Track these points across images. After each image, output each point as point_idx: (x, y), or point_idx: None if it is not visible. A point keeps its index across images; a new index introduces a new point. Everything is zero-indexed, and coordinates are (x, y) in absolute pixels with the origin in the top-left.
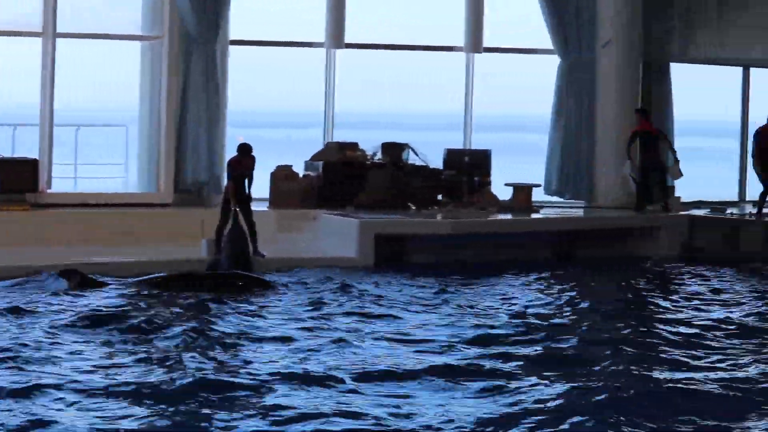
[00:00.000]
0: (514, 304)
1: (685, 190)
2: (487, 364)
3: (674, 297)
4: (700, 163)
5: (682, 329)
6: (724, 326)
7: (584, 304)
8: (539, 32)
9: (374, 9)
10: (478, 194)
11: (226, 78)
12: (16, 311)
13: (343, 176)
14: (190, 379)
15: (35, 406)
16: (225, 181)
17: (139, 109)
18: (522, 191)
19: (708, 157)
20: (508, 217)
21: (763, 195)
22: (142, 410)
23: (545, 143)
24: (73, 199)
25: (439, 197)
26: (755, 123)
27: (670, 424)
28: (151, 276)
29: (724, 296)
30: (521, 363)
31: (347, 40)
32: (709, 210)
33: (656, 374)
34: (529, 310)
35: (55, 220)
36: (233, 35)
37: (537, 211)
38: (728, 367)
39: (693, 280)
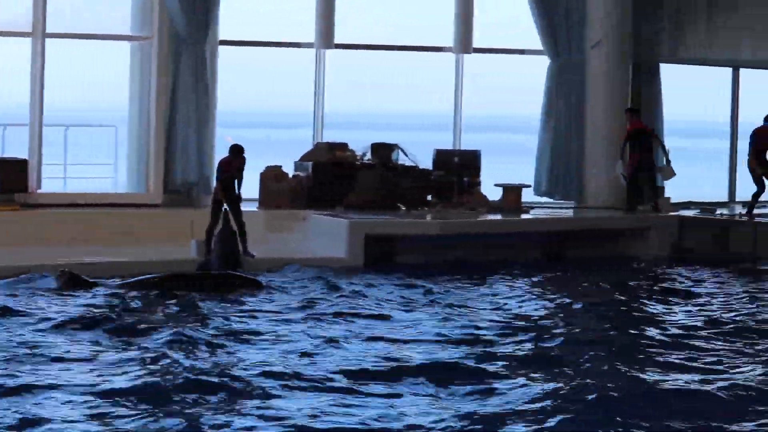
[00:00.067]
0: (504, 305)
1: (674, 190)
2: (476, 364)
3: (664, 297)
4: (690, 163)
5: (672, 330)
6: (714, 326)
7: (574, 305)
8: (529, 33)
9: (364, 9)
10: (467, 195)
11: (215, 78)
12: (5, 311)
13: (332, 177)
14: (182, 380)
15: (25, 407)
16: (215, 182)
17: (128, 110)
18: (512, 192)
19: (697, 157)
20: (498, 217)
21: (755, 196)
22: (134, 410)
23: (535, 144)
24: (63, 199)
25: (429, 198)
26: (745, 123)
27: (661, 424)
28: (143, 277)
29: (713, 297)
30: (510, 363)
31: (337, 40)
32: (698, 210)
33: (645, 375)
34: (519, 311)
35: (45, 221)
36: (223, 35)
37: (527, 212)
38: (719, 368)
39: (683, 280)
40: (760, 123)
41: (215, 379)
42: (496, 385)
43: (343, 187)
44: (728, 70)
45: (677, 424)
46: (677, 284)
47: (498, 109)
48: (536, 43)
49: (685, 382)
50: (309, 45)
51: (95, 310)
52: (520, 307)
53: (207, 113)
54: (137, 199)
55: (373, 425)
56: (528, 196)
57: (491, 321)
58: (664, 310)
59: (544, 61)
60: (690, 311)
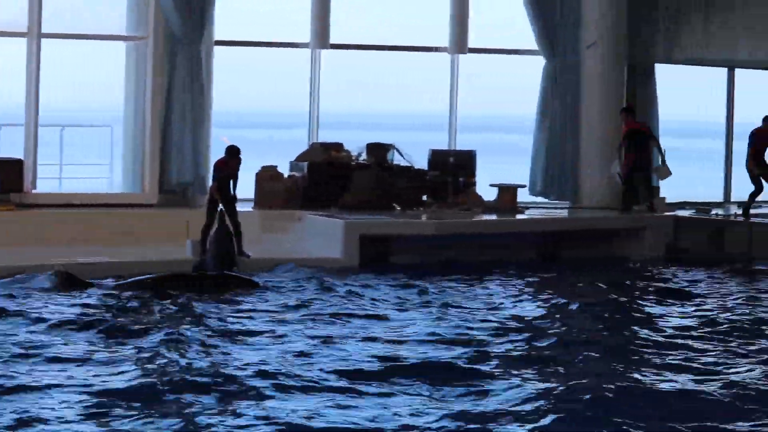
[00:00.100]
0: (499, 305)
1: (670, 190)
2: (471, 364)
3: (659, 298)
4: (685, 163)
5: (668, 330)
6: (709, 327)
7: (568, 305)
8: (524, 33)
9: (359, 9)
10: (463, 195)
11: (210, 78)
12: (1, 312)
13: (328, 177)
14: (177, 380)
15: (21, 407)
16: (210, 182)
17: (123, 110)
18: (507, 192)
19: (693, 157)
20: (493, 217)
21: (752, 195)
22: (130, 410)
23: (530, 144)
24: (58, 199)
25: (424, 198)
26: (740, 124)
27: (655, 424)
28: (139, 277)
29: (709, 297)
30: (505, 363)
31: (332, 40)
32: (694, 211)
33: (640, 375)
34: (513, 311)
35: (40, 221)
36: (218, 36)
37: (522, 212)
38: (714, 368)
39: (678, 281)
40: (755, 123)
41: (211, 380)
42: (490, 386)
43: (339, 187)
44: (724, 71)
45: (671, 425)
46: (672, 285)
47: (493, 110)
48: (531, 43)
49: (681, 383)
50: (304, 45)
51: (91, 311)
52: (514, 307)
53: (202, 113)
54: (133, 199)
55: (368, 425)
56: (523, 196)
57: (486, 321)
58: (659, 311)
59: (540, 62)
60: (685, 312)
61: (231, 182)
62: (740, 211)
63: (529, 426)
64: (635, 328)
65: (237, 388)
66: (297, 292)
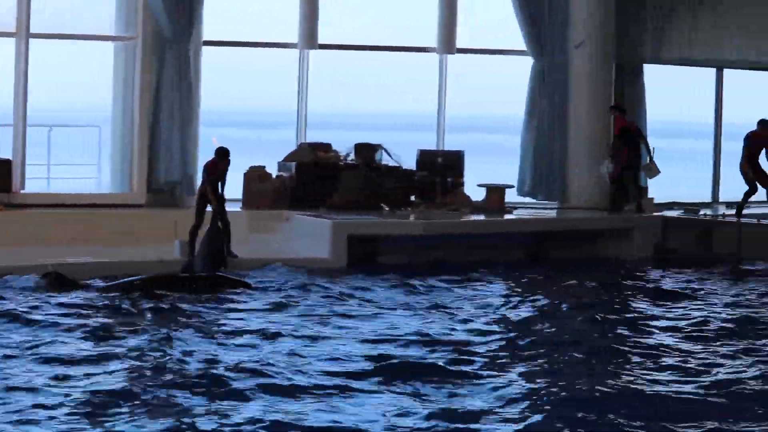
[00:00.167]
0: (487, 305)
1: (658, 191)
2: (458, 364)
3: (647, 298)
4: (674, 164)
5: (655, 330)
6: (698, 327)
7: (556, 306)
8: (512, 33)
9: (347, 10)
10: (451, 195)
11: (199, 78)
12: None
13: (315, 177)
14: (167, 380)
15: (10, 407)
16: (198, 182)
17: (112, 110)
18: (495, 192)
19: (681, 158)
20: (481, 218)
21: (746, 195)
22: (120, 411)
23: (518, 144)
24: (47, 199)
25: (412, 198)
26: (728, 124)
27: (644, 424)
28: (130, 278)
29: (697, 297)
30: (493, 363)
31: (320, 40)
32: (682, 211)
33: (629, 375)
34: (501, 311)
35: (29, 221)
36: (206, 36)
37: (510, 212)
38: (703, 368)
39: (666, 281)
40: (744, 123)
41: (200, 380)
42: (477, 386)
43: (327, 187)
44: (712, 71)
45: (660, 424)
46: (661, 285)
47: (481, 110)
48: (519, 43)
49: (669, 383)
50: (293, 45)
51: (81, 311)
52: (502, 307)
53: (190, 113)
54: (121, 199)
55: (356, 425)
56: (511, 196)
57: (473, 321)
58: (648, 311)
59: (528, 62)
60: (674, 312)
61: (219, 183)
62: (729, 211)
63: (517, 426)
64: (624, 328)
65: (226, 389)
66: (285, 292)
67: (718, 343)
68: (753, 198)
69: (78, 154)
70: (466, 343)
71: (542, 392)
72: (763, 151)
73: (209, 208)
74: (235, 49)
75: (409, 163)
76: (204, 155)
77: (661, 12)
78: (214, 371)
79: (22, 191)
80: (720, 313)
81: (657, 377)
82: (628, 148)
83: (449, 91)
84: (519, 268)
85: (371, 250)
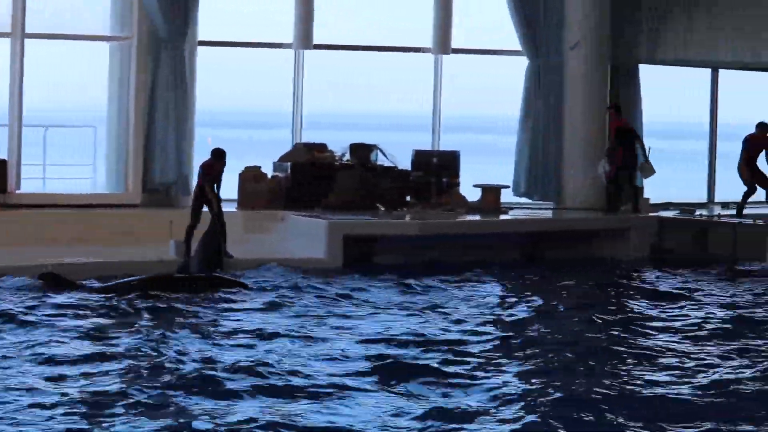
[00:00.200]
0: (482, 306)
1: (653, 191)
2: (453, 365)
3: (643, 298)
4: (669, 164)
5: (651, 330)
6: (694, 327)
7: (552, 306)
8: (507, 34)
9: (343, 10)
10: (446, 195)
11: (194, 78)
12: None
13: (311, 177)
14: (163, 381)
15: (5, 408)
16: (193, 182)
17: (107, 110)
18: (490, 192)
19: (677, 158)
20: (477, 218)
21: (745, 196)
22: (116, 411)
23: (513, 145)
24: (42, 199)
25: (408, 198)
26: (724, 125)
27: (640, 424)
28: (128, 279)
29: (692, 298)
30: (488, 364)
31: (315, 41)
32: (678, 211)
33: (624, 375)
34: (496, 312)
35: (24, 221)
36: (202, 36)
37: (505, 213)
38: (699, 368)
39: (662, 281)
40: (739, 124)
41: (196, 381)
42: (473, 386)
43: (322, 187)
44: (707, 71)
45: (657, 424)
46: (656, 285)
47: (476, 110)
48: (515, 44)
49: (665, 382)
50: (288, 45)
51: (77, 312)
52: (497, 308)
53: (186, 113)
54: (116, 199)
55: (350, 425)
56: (507, 196)
57: (469, 322)
58: (643, 311)
59: (523, 62)
60: (669, 312)
61: (215, 184)
62: (725, 212)
63: (512, 426)
64: (620, 328)
65: (222, 389)
66: (280, 292)
67: (714, 344)
68: (752, 198)
69: (73, 154)
70: (461, 343)
71: (538, 393)
72: (763, 153)
73: (205, 209)
74: (230, 49)
75: (405, 163)
76: (199, 155)
77: (656, 13)
78: (210, 371)
79: (17, 191)
80: (716, 313)
81: (653, 378)
82: (624, 148)
83: (444, 91)
84: (514, 268)
85: (367, 251)
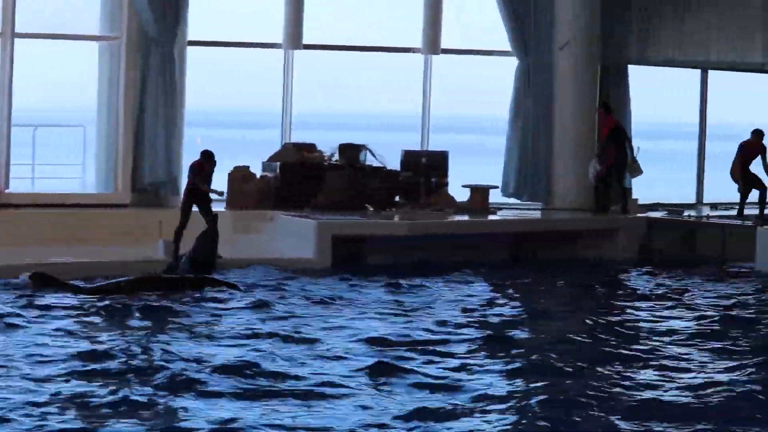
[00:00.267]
0: (469, 306)
1: (642, 192)
2: (440, 365)
3: (630, 299)
4: (658, 165)
5: (639, 331)
6: (683, 328)
7: (540, 306)
8: (497, 34)
9: (332, 10)
10: (435, 195)
11: (184, 78)
12: None
13: (300, 177)
14: (149, 381)
15: None
16: (183, 182)
17: (97, 110)
18: (479, 193)
19: (665, 159)
20: (465, 218)
21: (743, 198)
22: (106, 412)
23: (503, 145)
24: (32, 199)
25: (397, 198)
26: (713, 125)
27: (629, 425)
28: (117, 279)
29: (680, 299)
30: (474, 365)
31: (305, 41)
32: (666, 212)
33: (612, 376)
34: (484, 312)
35: (13, 221)
36: (191, 36)
37: (494, 213)
38: (688, 368)
39: (650, 282)
40: (728, 124)
41: (184, 381)
42: (459, 386)
43: (311, 187)
44: (697, 72)
45: (640, 425)
46: (645, 286)
47: (466, 110)
48: (505, 44)
49: (653, 383)
50: (278, 45)
51: (67, 312)
52: (485, 308)
53: (175, 113)
54: (105, 199)
55: (338, 426)
56: (496, 197)
57: (457, 322)
58: (631, 311)
59: (513, 62)
60: (657, 312)
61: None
62: (712, 213)
63: (500, 427)
64: (608, 328)
65: (209, 389)
66: (269, 292)
67: (702, 344)
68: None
69: (63, 153)
70: (448, 344)
71: (524, 393)
72: (758, 158)
73: (195, 208)
74: (220, 49)
75: (394, 163)
76: (189, 155)
77: (647, 13)
78: (199, 371)
79: (6, 191)
80: (704, 313)
81: (641, 378)
82: (615, 146)
83: (434, 91)
84: (503, 268)
85: (356, 251)
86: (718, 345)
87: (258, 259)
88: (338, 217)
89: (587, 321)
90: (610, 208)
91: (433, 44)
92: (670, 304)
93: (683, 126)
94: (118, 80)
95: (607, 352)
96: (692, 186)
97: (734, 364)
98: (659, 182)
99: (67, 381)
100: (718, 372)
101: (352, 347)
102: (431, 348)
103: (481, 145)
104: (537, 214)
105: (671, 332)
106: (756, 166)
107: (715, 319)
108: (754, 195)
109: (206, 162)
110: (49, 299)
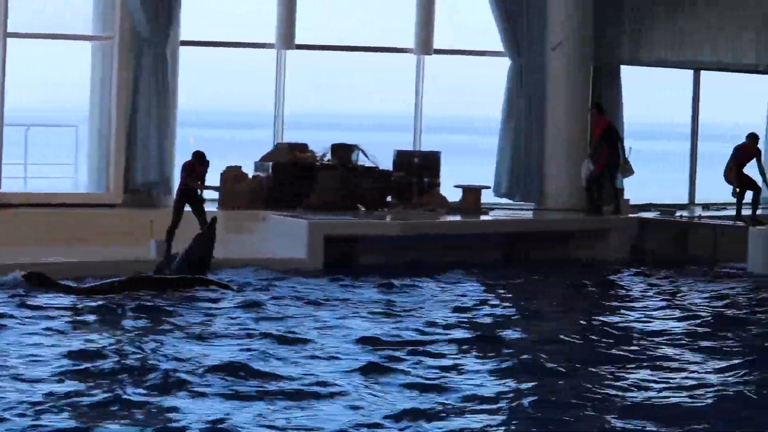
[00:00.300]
0: (461, 306)
1: (634, 192)
2: (431, 365)
3: (623, 299)
4: (650, 165)
5: (630, 332)
6: (675, 328)
7: (532, 307)
8: (490, 35)
9: (325, 10)
10: (427, 196)
11: (176, 79)
12: None
13: (292, 177)
14: (142, 381)
15: None
16: (175, 182)
17: (89, 110)
18: (471, 193)
19: (658, 159)
20: (458, 218)
21: (739, 199)
22: (96, 412)
23: (495, 145)
24: (24, 199)
25: (389, 198)
26: (705, 126)
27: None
28: (111, 279)
29: (672, 299)
30: (466, 365)
31: (298, 41)
32: (658, 213)
33: (605, 376)
34: (476, 312)
35: (5, 221)
36: (184, 36)
37: (486, 213)
38: (680, 369)
39: (641, 282)
40: (721, 125)
41: (177, 381)
42: (450, 387)
43: (304, 187)
44: (689, 72)
45: (633, 424)
46: (637, 286)
47: (458, 111)
48: (497, 44)
49: (645, 383)
50: (270, 45)
51: (61, 312)
52: (477, 308)
53: (168, 113)
54: (97, 199)
55: (330, 426)
56: (488, 197)
57: (448, 322)
58: (623, 312)
59: (505, 63)
60: (649, 313)
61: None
62: (704, 213)
63: (491, 427)
64: (600, 329)
65: (201, 389)
66: (261, 292)
67: (693, 344)
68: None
69: (55, 153)
70: (440, 344)
71: (516, 393)
72: (753, 161)
73: (188, 208)
74: (212, 49)
75: (386, 163)
76: (181, 155)
77: (639, 14)
78: (192, 372)
79: None
80: (696, 313)
81: (633, 378)
82: (608, 146)
83: (426, 91)
84: (495, 269)
85: (348, 251)
86: (709, 345)
87: (250, 259)
88: (330, 217)
89: (579, 321)
90: (603, 207)
91: (425, 44)
92: (661, 304)
93: (675, 126)
94: (111, 80)
95: (599, 352)
96: (684, 186)
97: (726, 364)
98: (651, 182)
99: (60, 381)
100: (710, 372)
101: (345, 347)
102: (423, 348)
103: (473, 146)
104: (529, 215)
105: (663, 332)
106: (750, 169)
107: (707, 319)
108: (750, 196)
109: (198, 164)
110: (42, 299)
